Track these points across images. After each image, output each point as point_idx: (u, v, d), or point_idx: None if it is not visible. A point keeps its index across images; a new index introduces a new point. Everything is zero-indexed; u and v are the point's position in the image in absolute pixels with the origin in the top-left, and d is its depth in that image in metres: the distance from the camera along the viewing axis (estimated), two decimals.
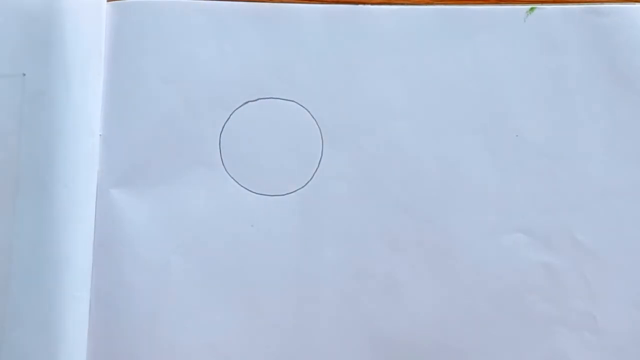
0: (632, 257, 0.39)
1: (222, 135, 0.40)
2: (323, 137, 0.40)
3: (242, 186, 0.39)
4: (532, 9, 0.41)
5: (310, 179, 0.40)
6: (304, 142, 0.40)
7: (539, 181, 0.40)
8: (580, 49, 0.41)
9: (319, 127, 0.40)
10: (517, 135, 0.40)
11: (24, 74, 0.39)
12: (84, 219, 0.38)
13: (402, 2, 0.42)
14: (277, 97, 0.40)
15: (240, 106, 0.40)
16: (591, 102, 0.41)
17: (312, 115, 0.40)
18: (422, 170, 0.40)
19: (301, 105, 0.40)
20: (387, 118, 0.40)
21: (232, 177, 0.40)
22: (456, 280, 0.39)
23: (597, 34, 0.41)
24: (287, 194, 0.40)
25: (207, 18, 0.41)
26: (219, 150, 0.40)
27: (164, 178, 0.39)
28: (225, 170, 0.40)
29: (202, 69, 0.41)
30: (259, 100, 0.40)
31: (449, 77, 0.41)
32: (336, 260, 0.39)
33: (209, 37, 0.41)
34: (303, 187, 0.40)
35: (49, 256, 0.37)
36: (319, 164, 0.40)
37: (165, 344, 0.38)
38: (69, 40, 0.39)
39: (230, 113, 0.40)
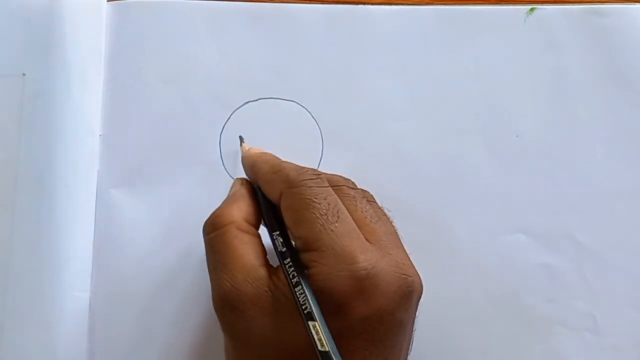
0: (632, 258, 0.39)
1: (222, 135, 0.40)
2: (323, 137, 0.40)
3: None
4: (532, 9, 0.41)
5: None
6: (304, 142, 0.40)
7: (539, 181, 0.40)
8: (580, 49, 0.41)
9: (319, 127, 0.40)
10: (517, 136, 0.40)
11: (24, 74, 0.39)
12: (84, 219, 0.38)
13: (402, 2, 0.42)
14: (278, 97, 0.40)
15: (241, 106, 0.40)
16: (591, 102, 0.41)
17: (312, 116, 0.40)
18: (422, 170, 0.40)
19: (301, 106, 0.40)
20: (387, 118, 0.40)
21: (233, 177, 0.39)
22: (456, 280, 0.39)
23: (597, 34, 0.41)
24: None
25: (207, 18, 0.41)
26: (219, 150, 0.40)
27: (164, 178, 0.39)
28: (226, 170, 0.40)
29: (202, 69, 0.40)
30: (260, 101, 0.40)
31: (449, 77, 0.41)
32: None
33: (209, 37, 0.41)
34: None
35: (49, 256, 0.37)
36: (319, 164, 0.40)
37: (165, 344, 0.38)
38: (69, 40, 0.39)
39: (231, 113, 0.40)
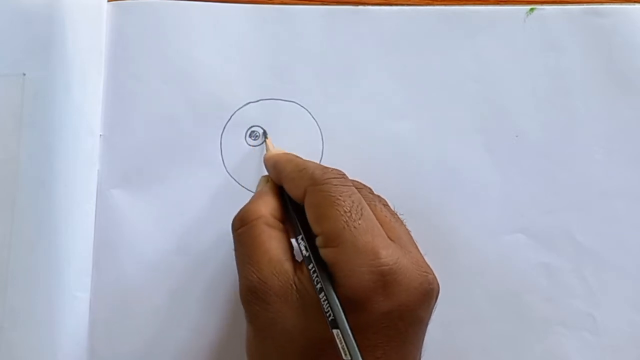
0: (631, 258, 0.39)
1: (223, 135, 0.40)
2: (323, 137, 0.40)
3: (243, 186, 0.39)
4: (532, 9, 0.41)
5: None
6: (304, 142, 0.40)
7: (539, 181, 0.40)
8: (580, 49, 0.41)
9: (319, 127, 0.40)
10: (517, 136, 0.40)
11: (24, 74, 0.39)
12: (84, 219, 0.38)
13: (402, 2, 0.42)
14: (278, 97, 0.40)
15: (242, 107, 0.40)
16: (591, 103, 0.41)
17: (312, 116, 0.40)
18: (422, 170, 0.40)
19: (301, 106, 0.40)
20: (387, 118, 0.41)
21: (233, 178, 0.40)
22: (456, 280, 0.39)
23: (597, 35, 0.41)
24: None
25: (208, 19, 0.41)
26: (220, 150, 0.40)
27: (164, 178, 0.39)
28: (227, 170, 0.40)
29: (203, 69, 0.40)
30: (260, 101, 0.40)
31: (449, 77, 0.41)
32: None
33: (209, 37, 0.41)
34: None
35: (49, 256, 0.37)
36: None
37: (165, 344, 0.38)
38: (69, 40, 0.39)
39: (232, 114, 0.40)
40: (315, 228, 0.31)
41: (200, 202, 0.39)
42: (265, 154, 0.38)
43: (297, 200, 0.33)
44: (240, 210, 0.33)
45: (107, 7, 0.41)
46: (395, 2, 0.42)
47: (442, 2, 0.42)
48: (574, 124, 0.41)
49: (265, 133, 0.39)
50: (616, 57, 0.41)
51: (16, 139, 0.38)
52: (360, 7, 0.41)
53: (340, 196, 0.30)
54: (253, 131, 0.40)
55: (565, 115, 0.41)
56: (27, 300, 0.37)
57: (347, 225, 0.30)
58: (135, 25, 0.41)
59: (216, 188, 0.39)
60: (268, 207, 0.33)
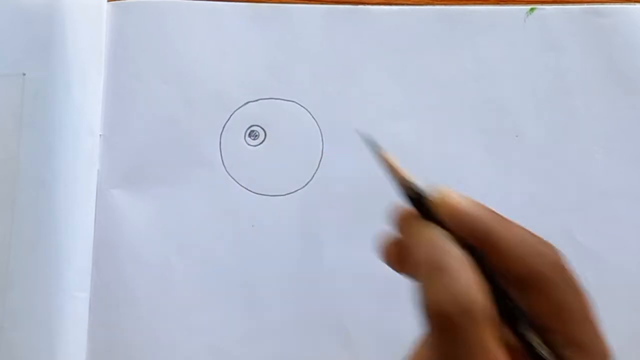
0: (631, 258, 0.39)
1: (222, 135, 0.40)
2: (323, 137, 0.40)
3: (242, 186, 0.39)
4: (532, 9, 0.41)
5: (310, 179, 0.40)
6: (304, 142, 0.40)
7: (538, 181, 0.40)
8: (580, 49, 0.41)
9: (319, 127, 0.40)
10: (517, 136, 0.40)
11: (24, 74, 0.39)
12: (84, 219, 0.38)
13: (402, 2, 0.42)
14: (278, 97, 0.40)
15: (241, 106, 0.40)
16: (591, 102, 0.41)
17: (312, 116, 0.40)
18: (422, 170, 0.40)
19: (301, 106, 0.40)
20: (387, 118, 0.41)
21: (233, 177, 0.40)
22: None
23: (597, 34, 0.41)
24: (287, 194, 0.40)
25: (208, 19, 0.41)
26: (219, 150, 0.40)
27: (164, 178, 0.39)
28: (226, 170, 0.40)
29: (203, 69, 0.40)
30: (260, 101, 0.40)
31: (449, 77, 0.41)
32: (336, 260, 0.39)
33: (209, 37, 0.41)
34: (303, 187, 0.40)
35: (49, 256, 0.37)
36: (319, 164, 0.40)
37: (165, 344, 0.38)
38: (69, 40, 0.39)
39: (231, 113, 0.40)
40: (555, 324, 0.23)
41: (200, 202, 0.39)
42: (457, 205, 0.23)
43: (513, 277, 0.23)
44: (441, 284, 0.21)
45: (107, 7, 0.41)
46: (395, 2, 0.42)
47: (442, 2, 0.42)
48: (574, 124, 0.40)
49: (376, 145, 0.25)
50: (616, 57, 0.41)
51: (16, 139, 0.38)
52: (360, 7, 0.41)
53: (581, 286, 0.24)
54: (252, 131, 0.40)
55: (565, 115, 0.41)
56: (27, 301, 0.37)
57: (596, 326, 0.23)
58: (135, 25, 0.41)
59: (215, 187, 0.39)
60: (480, 289, 0.21)
